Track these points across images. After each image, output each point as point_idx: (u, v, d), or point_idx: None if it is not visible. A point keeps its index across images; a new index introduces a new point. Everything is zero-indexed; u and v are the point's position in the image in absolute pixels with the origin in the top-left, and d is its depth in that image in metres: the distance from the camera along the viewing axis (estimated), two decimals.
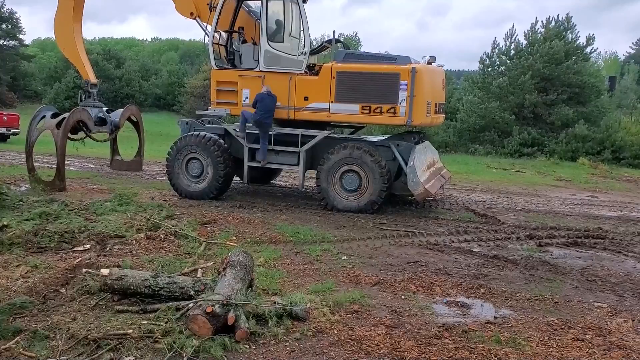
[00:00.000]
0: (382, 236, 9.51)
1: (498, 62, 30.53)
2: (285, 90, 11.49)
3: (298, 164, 11.78)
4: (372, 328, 5.44)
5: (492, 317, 5.93)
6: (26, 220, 8.40)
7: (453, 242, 9.32)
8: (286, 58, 11.56)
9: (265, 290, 6.30)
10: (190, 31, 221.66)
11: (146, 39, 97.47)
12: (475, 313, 6.09)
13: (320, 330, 5.34)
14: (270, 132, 11.68)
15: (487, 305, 6.38)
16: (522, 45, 29.54)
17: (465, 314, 6.03)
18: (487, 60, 30.73)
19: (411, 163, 10.97)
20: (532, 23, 29.60)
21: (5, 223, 7.90)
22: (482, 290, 6.79)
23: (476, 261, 8.20)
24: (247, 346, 4.93)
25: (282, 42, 11.83)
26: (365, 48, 53.12)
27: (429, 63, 11.82)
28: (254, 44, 12.08)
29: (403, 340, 5.13)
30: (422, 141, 12.36)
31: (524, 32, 29.90)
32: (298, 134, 11.60)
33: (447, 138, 29.55)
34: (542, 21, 29.60)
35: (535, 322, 5.78)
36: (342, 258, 8.04)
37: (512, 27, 46.31)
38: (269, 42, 11.56)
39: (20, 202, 9.67)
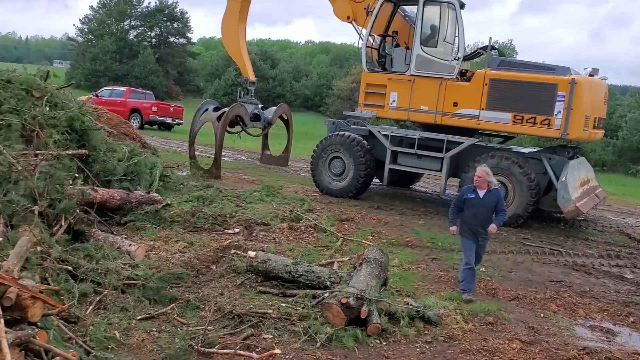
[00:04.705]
0: (525, 252, 9.13)
1: None
2: (435, 95, 11.40)
3: (441, 170, 11.62)
4: (507, 342, 5.29)
5: None
6: (185, 201, 9.23)
7: (602, 265, 8.72)
8: (438, 63, 11.47)
9: (398, 291, 6.37)
10: (349, 35, 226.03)
11: (300, 42, 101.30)
12: (621, 341, 5.68)
13: (452, 336, 5.30)
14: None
15: (636, 334, 5.92)
16: None
17: (610, 340, 5.65)
18: None
19: (563, 178, 10.39)
20: None
21: (168, 202, 8.75)
22: (631, 319, 6.31)
23: (627, 288, 7.62)
24: (378, 341, 5.05)
25: (436, 47, 11.78)
26: (522, 57, 50.84)
27: (591, 75, 11.13)
28: (407, 48, 12.15)
29: (538, 358, 4.95)
30: (577, 156, 11.65)
31: None
32: (443, 140, 11.46)
33: (606, 156, 27.53)
34: None
35: None
36: (481, 270, 7.83)
37: None
38: (422, 47, 11.56)
39: (182, 185, 10.65)
